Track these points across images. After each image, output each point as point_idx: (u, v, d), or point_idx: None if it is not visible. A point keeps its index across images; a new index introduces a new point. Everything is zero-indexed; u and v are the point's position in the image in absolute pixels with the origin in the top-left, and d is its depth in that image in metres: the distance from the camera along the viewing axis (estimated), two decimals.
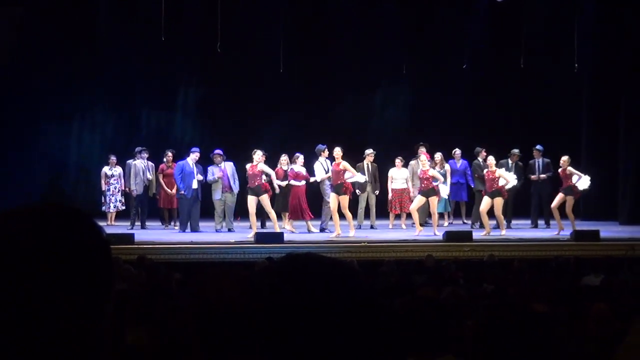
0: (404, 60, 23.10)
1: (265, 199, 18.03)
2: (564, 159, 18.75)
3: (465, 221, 21.49)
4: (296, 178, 18.98)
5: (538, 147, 20.66)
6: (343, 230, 17.91)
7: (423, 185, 18.31)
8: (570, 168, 18.65)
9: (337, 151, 18.08)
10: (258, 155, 18.16)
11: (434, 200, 18.25)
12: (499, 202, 18.21)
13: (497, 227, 18.63)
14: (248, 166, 18.21)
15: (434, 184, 18.30)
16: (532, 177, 20.54)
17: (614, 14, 22.33)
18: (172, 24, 21.02)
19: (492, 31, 23.72)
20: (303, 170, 19.07)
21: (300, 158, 19.20)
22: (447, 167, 20.67)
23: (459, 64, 23.22)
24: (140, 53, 22.39)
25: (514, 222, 20.72)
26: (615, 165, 22.20)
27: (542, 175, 20.41)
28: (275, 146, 20.83)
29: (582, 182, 18.67)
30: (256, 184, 17.96)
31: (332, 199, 17.91)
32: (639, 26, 21.63)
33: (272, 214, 18.39)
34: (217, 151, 19.34)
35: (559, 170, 18.90)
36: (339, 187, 17.74)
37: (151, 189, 20.40)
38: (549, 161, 20.40)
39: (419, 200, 18.47)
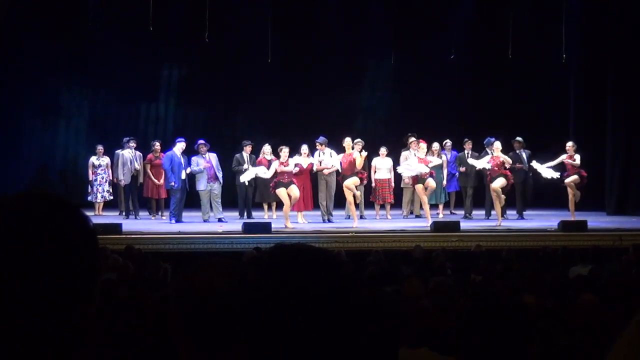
0: (393, 51, 23.10)
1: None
2: (570, 144, 18.85)
3: (453, 211, 21.53)
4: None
5: (518, 138, 20.54)
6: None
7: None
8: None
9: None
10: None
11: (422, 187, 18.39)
12: (500, 181, 18.29)
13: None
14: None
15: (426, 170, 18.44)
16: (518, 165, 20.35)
17: (601, 5, 22.38)
18: (160, 14, 20.94)
19: (480, 21, 23.72)
20: (303, 162, 18.96)
21: (304, 148, 19.09)
22: (443, 157, 20.67)
23: (447, 54, 23.21)
24: (129, 42, 22.31)
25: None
26: (602, 156, 22.23)
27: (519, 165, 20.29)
28: (261, 136, 20.83)
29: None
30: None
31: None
32: (627, 17, 21.65)
33: None
34: (201, 141, 19.31)
35: (565, 156, 18.88)
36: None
37: (139, 179, 20.34)
38: (530, 152, 20.36)
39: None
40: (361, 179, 18.49)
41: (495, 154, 18.67)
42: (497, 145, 18.83)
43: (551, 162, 19.09)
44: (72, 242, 1.51)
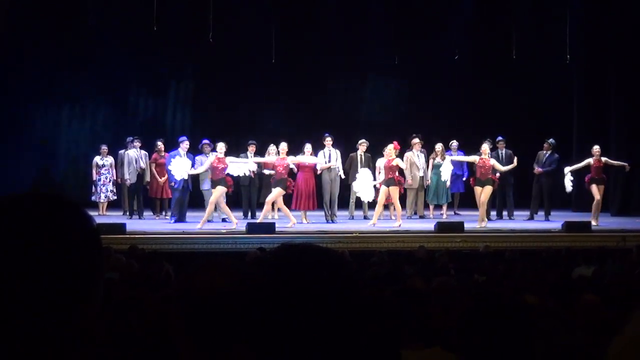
0: (396, 51, 23.09)
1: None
2: (597, 148, 18.85)
3: (457, 212, 21.50)
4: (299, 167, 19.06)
5: (550, 140, 20.39)
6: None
7: (387, 175, 18.36)
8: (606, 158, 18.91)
9: (283, 146, 18.45)
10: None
11: (395, 190, 18.27)
12: (488, 190, 18.19)
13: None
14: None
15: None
16: (536, 170, 20.22)
17: (602, 5, 22.38)
18: (164, 14, 20.94)
19: (482, 22, 23.70)
20: (306, 160, 18.96)
21: (308, 147, 19.11)
22: (447, 158, 20.60)
23: (450, 55, 23.18)
24: (133, 42, 22.31)
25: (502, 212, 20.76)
26: (605, 156, 22.17)
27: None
28: (265, 136, 20.82)
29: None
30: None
31: (275, 194, 18.00)
32: (628, 18, 21.63)
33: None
34: (205, 141, 19.29)
35: (593, 159, 18.89)
36: (281, 182, 17.89)
37: (145, 178, 20.30)
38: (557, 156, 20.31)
39: (383, 192, 18.45)
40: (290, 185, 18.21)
41: (483, 156, 18.54)
42: (485, 147, 18.74)
43: (577, 165, 19.19)
44: (72, 242, 1.51)
